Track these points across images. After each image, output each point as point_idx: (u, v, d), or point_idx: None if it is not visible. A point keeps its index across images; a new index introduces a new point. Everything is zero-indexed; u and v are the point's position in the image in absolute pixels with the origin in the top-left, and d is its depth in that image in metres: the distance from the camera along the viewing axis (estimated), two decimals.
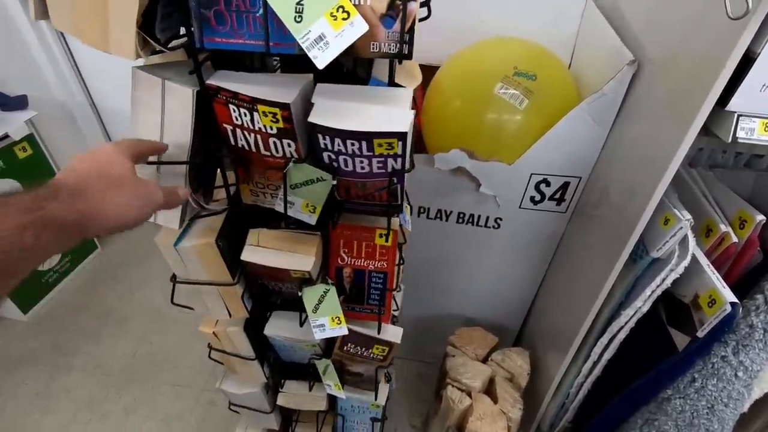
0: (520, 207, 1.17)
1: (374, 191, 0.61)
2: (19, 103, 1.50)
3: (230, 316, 0.79)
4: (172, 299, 0.74)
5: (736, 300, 0.73)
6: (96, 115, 1.89)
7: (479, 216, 1.22)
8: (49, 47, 1.65)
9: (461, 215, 1.23)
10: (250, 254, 0.68)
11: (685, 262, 0.79)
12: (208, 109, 0.56)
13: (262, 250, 0.69)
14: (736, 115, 0.65)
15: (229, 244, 0.70)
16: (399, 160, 0.56)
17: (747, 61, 0.61)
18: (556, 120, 0.99)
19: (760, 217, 0.79)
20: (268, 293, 0.78)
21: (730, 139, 0.66)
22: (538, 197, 1.14)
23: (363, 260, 0.72)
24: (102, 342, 1.66)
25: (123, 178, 0.46)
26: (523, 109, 1.02)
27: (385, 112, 0.55)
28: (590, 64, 1.12)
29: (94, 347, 1.64)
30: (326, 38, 0.45)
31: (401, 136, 0.52)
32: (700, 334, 0.78)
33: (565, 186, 1.11)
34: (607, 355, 0.98)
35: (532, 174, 1.09)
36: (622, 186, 0.93)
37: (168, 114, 0.55)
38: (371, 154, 0.55)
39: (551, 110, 1.01)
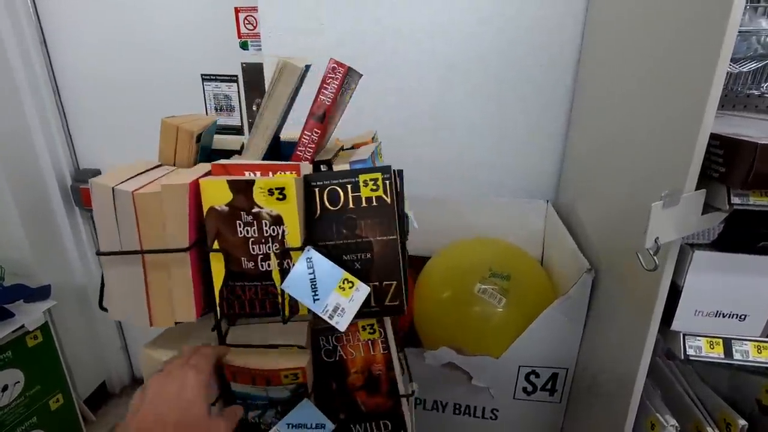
0: (514, 398, 1.13)
1: None
2: (42, 294, 1.62)
3: None
4: None
5: None
6: None
7: (475, 407, 1.17)
8: (80, 238, 1.85)
9: (457, 406, 1.18)
10: None
11: None
12: None
13: None
14: (681, 334, 0.68)
15: None
16: None
17: (677, 291, 0.66)
18: (534, 315, 1.02)
19: (742, 422, 0.75)
20: None
21: (682, 357, 0.67)
22: (530, 388, 1.11)
23: None
24: None
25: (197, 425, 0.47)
26: (501, 306, 1.07)
27: None
28: (558, 261, 1.20)
29: None
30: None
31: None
32: None
33: (554, 377, 1.09)
34: None
35: (520, 366, 1.08)
36: (607, 381, 0.91)
37: None
38: None
39: (528, 306, 1.06)
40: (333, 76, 0.61)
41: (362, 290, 0.54)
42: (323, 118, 0.62)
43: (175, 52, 1.58)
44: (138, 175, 0.58)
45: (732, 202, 0.57)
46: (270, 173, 0.52)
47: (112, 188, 0.51)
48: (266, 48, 1.38)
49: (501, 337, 1.08)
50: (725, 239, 0.70)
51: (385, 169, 0.54)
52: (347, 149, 0.77)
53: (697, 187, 0.57)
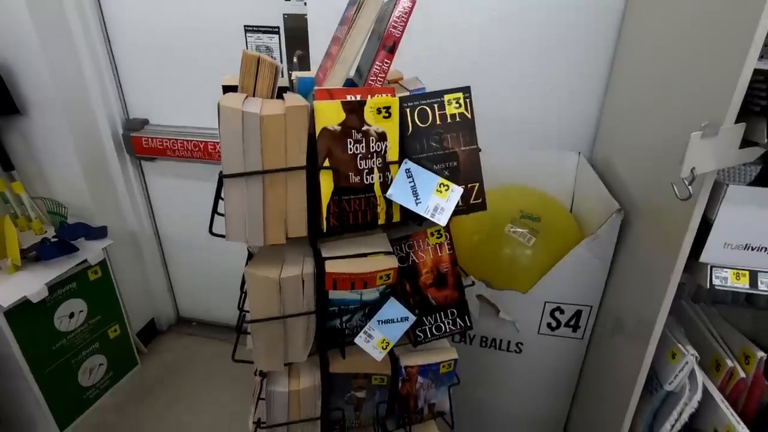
0: (538, 333, 1.25)
1: None
2: (100, 233, 1.77)
3: None
4: None
5: None
6: (157, 240, 2.15)
7: (501, 340, 1.29)
8: (131, 185, 1.98)
9: (484, 339, 1.30)
10: None
11: (697, 396, 0.83)
12: None
13: None
14: (709, 266, 0.77)
15: None
16: None
17: (708, 224, 0.75)
18: (562, 254, 1.12)
19: (761, 354, 0.85)
20: None
21: (708, 286, 0.76)
22: (554, 324, 1.23)
23: None
24: None
25: None
26: (531, 245, 1.17)
27: None
28: (588, 208, 1.29)
29: None
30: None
31: None
32: None
33: (578, 314, 1.20)
34: None
35: (546, 302, 1.19)
36: (631, 317, 1.01)
37: None
38: None
39: (556, 246, 1.16)
40: (403, 10, 0.68)
41: (456, 191, 0.65)
42: (393, 49, 0.70)
43: (219, 4, 1.64)
44: (246, 103, 0.65)
45: None
46: (369, 96, 0.61)
47: (242, 111, 0.59)
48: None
49: (529, 276, 1.18)
50: (760, 182, 0.77)
51: (466, 89, 0.64)
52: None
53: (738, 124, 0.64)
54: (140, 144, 1.86)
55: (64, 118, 1.66)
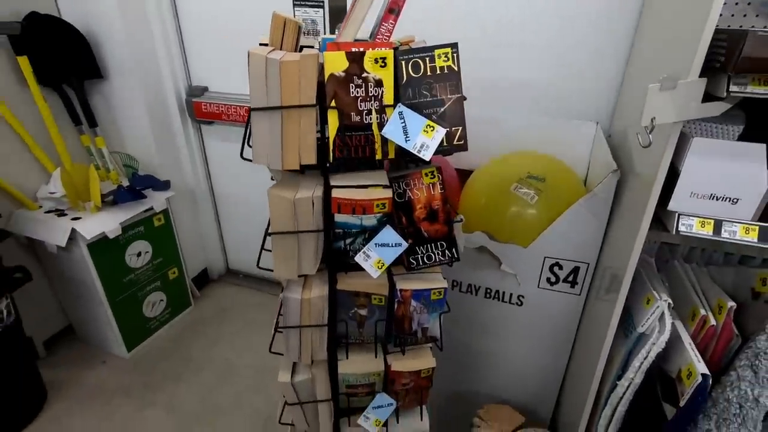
0: (538, 287, 1.34)
1: None
2: (164, 185, 2.06)
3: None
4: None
5: (707, 372, 0.84)
6: (212, 198, 2.43)
7: (503, 292, 1.40)
8: (191, 145, 2.25)
9: (488, 291, 1.42)
10: None
11: (664, 337, 0.91)
12: None
13: None
14: (676, 214, 0.84)
15: None
16: None
17: (676, 174, 0.82)
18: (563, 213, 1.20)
19: (731, 303, 0.91)
20: None
21: (674, 232, 0.84)
22: (553, 279, 1.31)
23: None
24: (181, 385, 1.96)
25: None
26: (534, 204, 1.26)
27: None
28: (600, 173, 1.34)
29: (174, 388, 1.94)
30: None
31: None
32: (682, 403, 0.87)
33: (576, 270, 1.28)
34: (612, 430, 1.05)
35: (545, 257, 1.28)
36: (618, 271, 1.08)
37: None
38: None
39: (558, 205, 1.24)
40: None
41: (440, 131, 0.77)
42: (398, 12, 0.82)
43: None
44: (270, 53, 0.82)
45: (730, 90, 0.70)
46: (371, 49, 0.75)
47: (266, 57, 0.75)
48: None
49: (531, 233, 1.27)
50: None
51: (454, 45, 0.76)
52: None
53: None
54: (200, 109, 2.11)
55: (138, 83, 1.94)
